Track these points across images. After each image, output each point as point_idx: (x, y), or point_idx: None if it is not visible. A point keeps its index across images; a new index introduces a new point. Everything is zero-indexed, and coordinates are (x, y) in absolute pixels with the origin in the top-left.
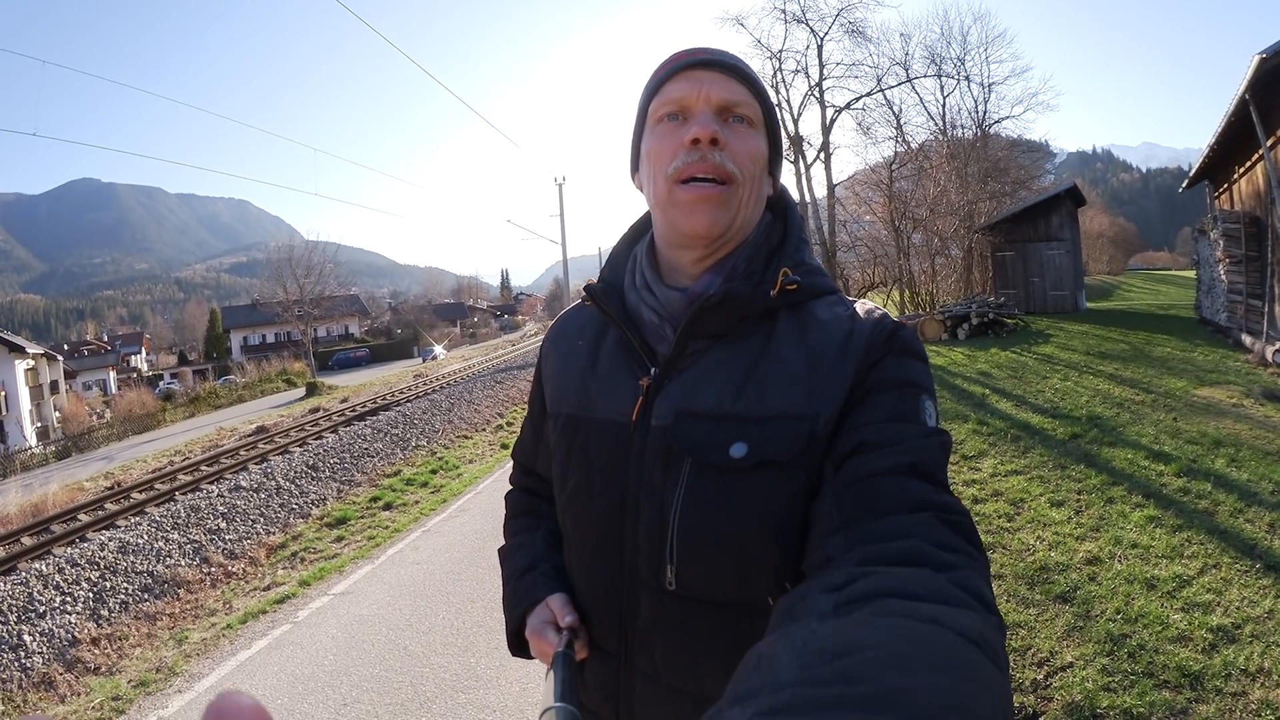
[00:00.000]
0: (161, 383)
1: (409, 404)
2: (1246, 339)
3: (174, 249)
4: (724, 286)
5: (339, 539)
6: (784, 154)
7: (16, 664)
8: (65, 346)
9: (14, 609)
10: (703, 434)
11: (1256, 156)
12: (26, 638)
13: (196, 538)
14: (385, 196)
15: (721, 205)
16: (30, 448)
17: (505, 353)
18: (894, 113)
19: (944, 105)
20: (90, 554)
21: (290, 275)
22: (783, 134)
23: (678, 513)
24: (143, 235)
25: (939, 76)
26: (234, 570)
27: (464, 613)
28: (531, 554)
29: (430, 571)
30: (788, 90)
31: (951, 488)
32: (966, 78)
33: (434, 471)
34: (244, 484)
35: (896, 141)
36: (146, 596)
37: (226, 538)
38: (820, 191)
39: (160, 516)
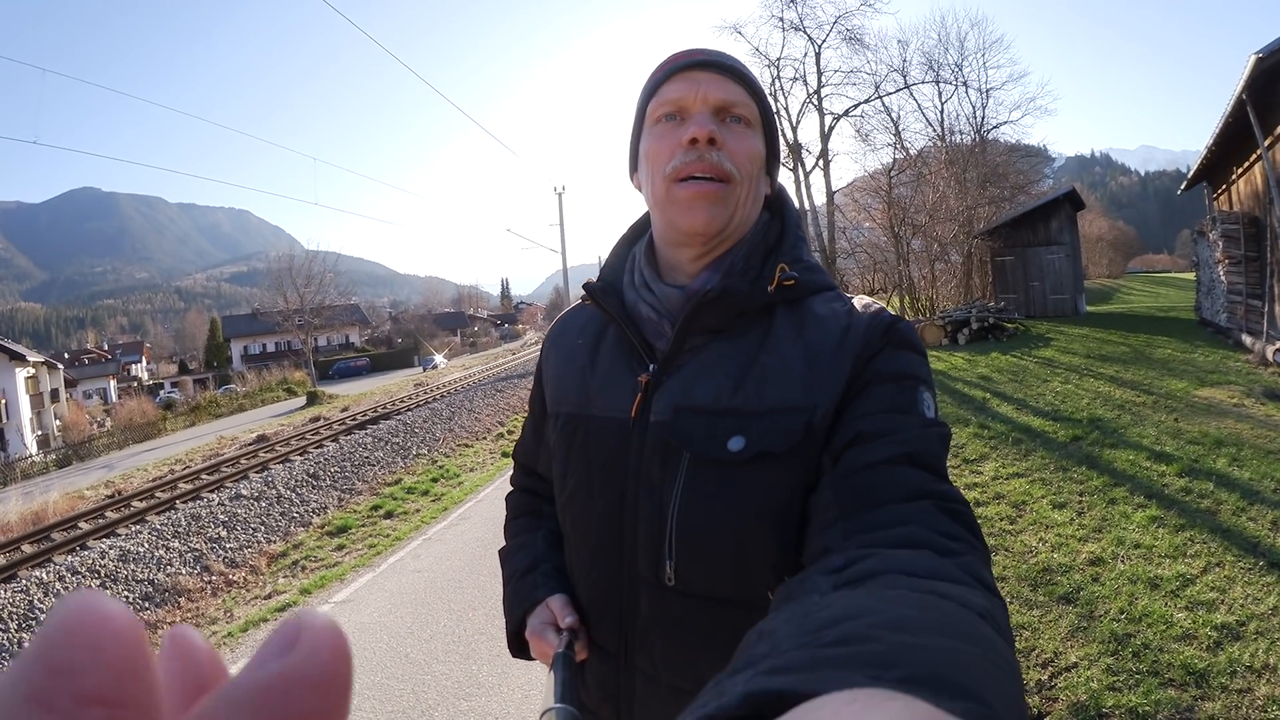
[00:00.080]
0: (162, 391)
1: (409, 413)
2: (1247, 339)
3: (174, 258)
4: (722, 282)
5: (340, 547)
6: (780, 156)
7: None
8: (66, 355)
9: (15, 616)
10: (700, 428)
11: (1255, 157)
12: (28, 645)
13: (197, 546)
14: (385, 206)
15: (719, 202)
16: (31, 456)
17: (505, 361)
18: (892, 119)
19: (942, 111)
20: (91, 562)
21: (290, 285)
22: (780, 134)
23: (676, 508)
24: (143, 244)
25: (937, 82)
26: (235, 579)
27: (465, 620)
28: (532, 555)
29: (431, 579)
30: (786, 98)
31: None
32: (964, 83)
33: (435, 480)
34: (245, 492)
35: (895, 148)
36: (147, 605)
37: (227, 546)
38: (819, 198)
39: (161, 525)
